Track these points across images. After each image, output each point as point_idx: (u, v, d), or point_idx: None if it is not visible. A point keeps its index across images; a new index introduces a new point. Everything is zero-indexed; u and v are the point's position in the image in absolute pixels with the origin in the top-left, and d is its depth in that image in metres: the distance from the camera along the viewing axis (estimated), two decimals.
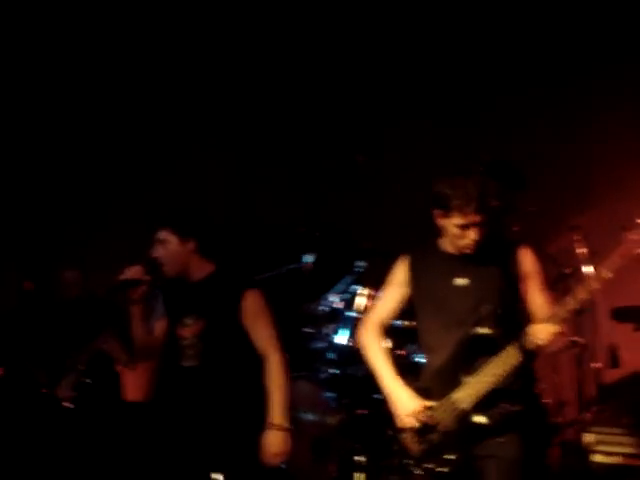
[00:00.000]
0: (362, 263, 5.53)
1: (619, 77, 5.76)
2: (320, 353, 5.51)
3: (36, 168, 6.79)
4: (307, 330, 5.49)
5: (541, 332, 3.29)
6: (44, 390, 5.06)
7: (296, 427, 5.00)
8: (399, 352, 5.22)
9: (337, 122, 6.61)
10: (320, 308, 5.43)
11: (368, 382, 5.38)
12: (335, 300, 5.40)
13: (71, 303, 5.54)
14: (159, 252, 3.91)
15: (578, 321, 5.09)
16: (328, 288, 5.56)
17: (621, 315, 4.96)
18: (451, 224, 3.44)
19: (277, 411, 3.84)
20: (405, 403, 3.57)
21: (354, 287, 5.40)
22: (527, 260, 3.53)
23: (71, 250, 6.43)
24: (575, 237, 4.95)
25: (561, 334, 3.34)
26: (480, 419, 3.41)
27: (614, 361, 4.90)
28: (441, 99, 6.29)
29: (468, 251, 3.48)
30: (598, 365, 5.02)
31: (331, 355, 5.49)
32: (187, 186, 6.55)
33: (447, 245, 3.60)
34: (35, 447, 5.05)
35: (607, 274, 3.25)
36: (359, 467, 4.92)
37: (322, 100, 6.63)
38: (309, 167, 6.63)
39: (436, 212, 3.50)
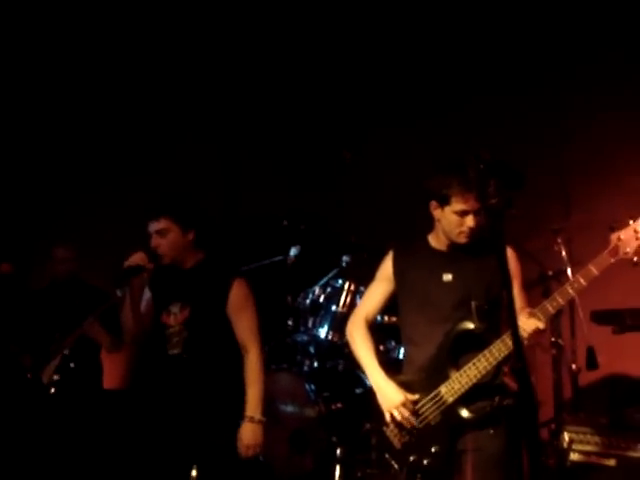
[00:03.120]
0: (347, 257, 5.56)
1: (600, 80, 5.80)
2: (302, 346, 5.54)
3: (21, 151, 6.77)
4: (289, 323, 5.51)
5: (527, 326, 3.34)
6: (29, 374, 5.04)
7: (275, 419, 5.05)
8: (380, 348, 5.26)
9: (324, 117, 6.63)
10: (303, 301, 5.46)
11: (348, 376, 5.45)
12: (318, 294, 5.43)
13: (56, 287, 5.53)
14: (158, 241, 3.91)
15: (557, 323, 5.14)
16: (312, 281, 5.58)
17: (599, 318, 5.00)
18: (450, 211, 3.51)
19: (252, 404, 3.89)
20: (390, 396, 3.59)
21: (337, 281, 5.42)
22: (512, 261, 3.54)
23: (53, 232, 6.43)
24: (558, 239, 5.01)
25: (542, 331, 3.40)
26: (464, 413, 3.46)
27: (591, 363, 4.95)
28: (427, 98, 6.31)
29: (463, 240, 3.55)
30: (576, 367, 5.07)
31: (312, 348, 5.53)
32: (173, 176, 6.55)
33: (435, 241, 3.69)
34: (18, 431, 5.04)
35: (595, 272, 3.33)
36: (337, 460, 4.95)
37: (309, 95, 6.65)
38: (295, 161, 6.65)
39: (433, 203, 3.59)
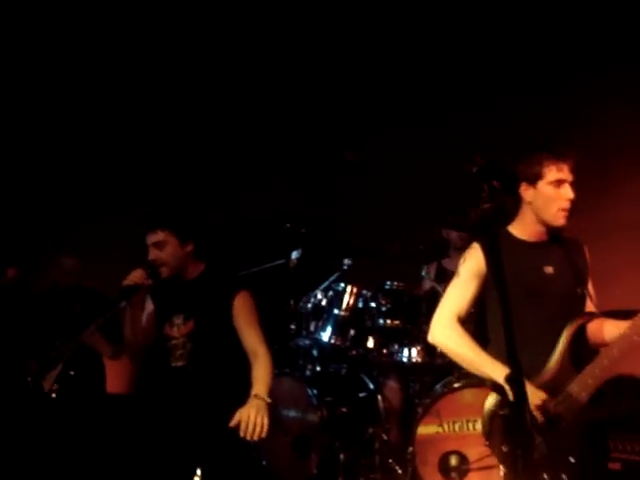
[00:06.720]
0: (348, 261, 5.52)
1: (599, 83, 5.78)
2: (304, 350, 5.51)
3: (23, 154, 6.78)
4: (291, 327, 5.48)
5: None
6: (29, 380, 5.03)
7: (278, 424, 5.02)
8: (383, 351, 5.24)
9: (326, 119, 6.60)
10: (305, 305, 5.43)
11: (351, 380, 5.42)
12: (320, 297, 5.40)
13: (58, 293, 5.52)
14: (156, 254, 3.88)
15: None
16: (313, 285, 5.55)
17: None
18: (544, 184, 3.31)
19: (259, 384, 3.70)
20: (531, 396, 3.10)
21: (339, 285, 5.39)
22: (588, 257, 3.50)
23: (55, 236, 6.43)
24: None
25: None
26: (602, 413, 3.19)
27: None
28: (430, 98, 6.29)
29: (561, 220, 3.34)
30: None
31: (315, 352, 5.50)
32: (175, 181, 6.54)
33: (520, 230, 3.45)
34: (18, 437, 5.03)
35: None
36: (340, 465, 4.92)
37: (310, 97, 6.62)
38: (297, 163, 6.62)
39: (523, 185, 3.37)
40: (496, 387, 3.21)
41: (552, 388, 3.20)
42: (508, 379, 2.78)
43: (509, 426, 3.10)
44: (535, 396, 3.15)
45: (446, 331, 3.43)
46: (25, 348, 5.31)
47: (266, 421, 3.60)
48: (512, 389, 2.66)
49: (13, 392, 5.14)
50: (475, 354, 3.34)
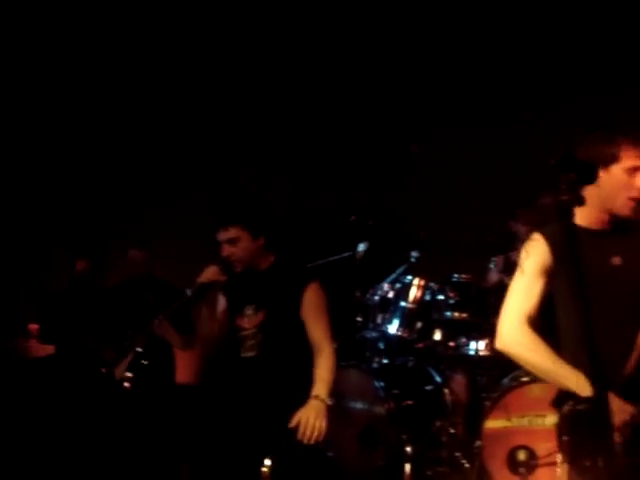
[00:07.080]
0: (416, 253, 5.51)
1: None
2: (371, 342, 5.51)
3: (93, 146, 6.93)
4: (358, 319, 5.49)
5: None
6: (103, 370, 5.13)
7: (344, 415, 5.04)
8: (449, 344, 5.21)
9: (391, 111, 6.58)
10: (372, 297, 5.43)
11: (418, 373, 5.41)
12: (387, 290, 5.39)
13: (130, 284, 5.63)
14: (229, 250, 3.93)
15: None
16: (381, 277, 5.55)
17: None
18: (618, 170, 2.99)
19: (320, 385, 3.77)
20: (618, 411, 2.80)
21: (407, 277, 5.38)
22: None
23: (124, 229, 6.56)
24: None
25: None
26: None
27: None
28: (496, 93, 6.25)
29: (628, 210, 3.02)
30: None
31: (381, 345, 5.50)
32: (241, 173, 6.61)
33: (584, 218, 3.07)
34: (90, 425, 5.13)
35: None
36: (406, 458, 4.91)
37: (376, 88, 6.61)
38: (364, 155, 6.62)
39: (601, 169, 3.00)
40: (572, 395, 2.91)
41: (630, 392, 2.91)
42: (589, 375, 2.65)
43: (587, 426, 2.80)
44: (622, 411, 2.82)
45: (516, 336, 3.05)
46: (100, 338, 5.43)
47: (324, 424, 3.70)
48: (594, 387, 2.53)
49: (88, 381, 5.26)
50: (551, 362, 2.98)
